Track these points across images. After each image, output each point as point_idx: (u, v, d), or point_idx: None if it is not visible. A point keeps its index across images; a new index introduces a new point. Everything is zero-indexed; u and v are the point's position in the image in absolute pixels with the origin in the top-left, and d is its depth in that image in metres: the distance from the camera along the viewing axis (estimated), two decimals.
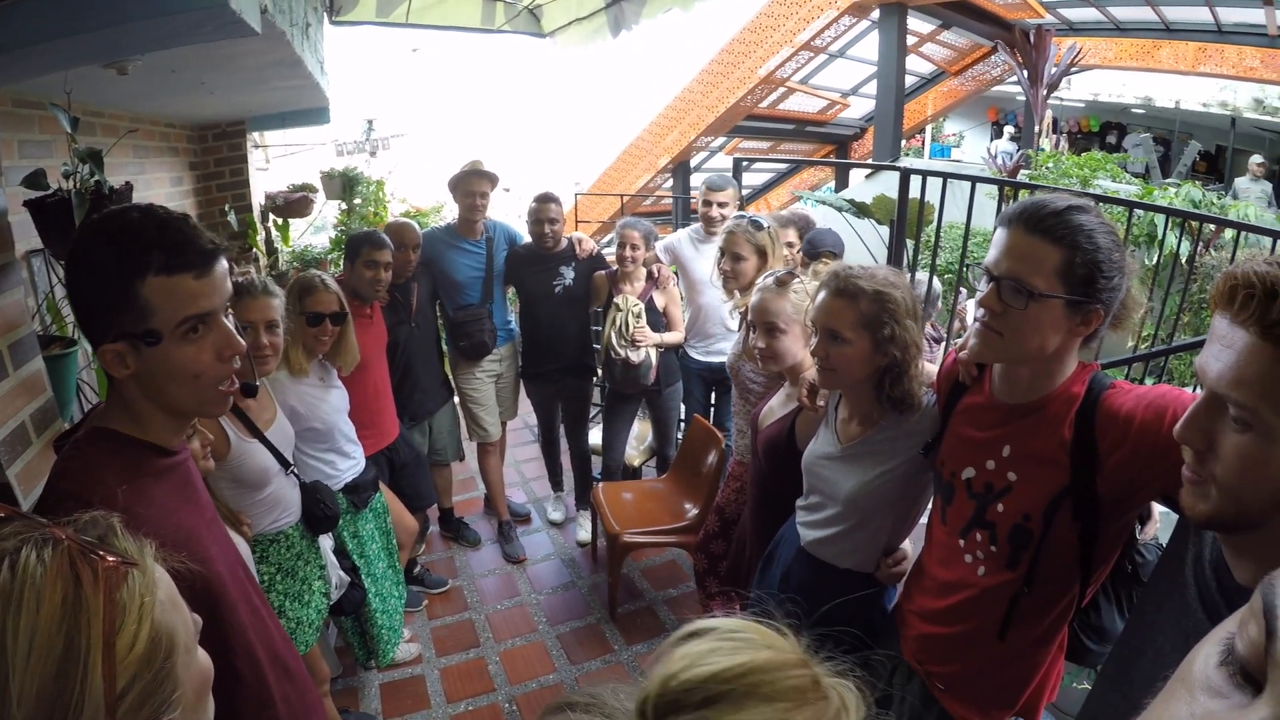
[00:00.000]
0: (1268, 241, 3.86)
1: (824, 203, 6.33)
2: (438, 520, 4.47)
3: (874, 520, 1.98)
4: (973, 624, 1.70)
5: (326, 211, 5.32)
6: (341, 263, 3.50)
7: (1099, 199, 4.95)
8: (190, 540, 1.26)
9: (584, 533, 4.46)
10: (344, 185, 5.05)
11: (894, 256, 4.68)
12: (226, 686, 1.02)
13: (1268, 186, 10.51)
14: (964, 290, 4.90)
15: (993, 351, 1.57)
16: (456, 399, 4.27)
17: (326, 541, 2.70)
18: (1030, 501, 1.57)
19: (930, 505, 1.91)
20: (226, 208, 4.06)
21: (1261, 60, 10.52)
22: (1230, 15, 10.31)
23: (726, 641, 0.67)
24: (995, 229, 1.55)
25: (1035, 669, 1.71)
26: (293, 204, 4.62)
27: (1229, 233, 4.31)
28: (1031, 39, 9.97)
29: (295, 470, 2.51)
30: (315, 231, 5.70)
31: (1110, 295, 1.48)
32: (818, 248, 3.44)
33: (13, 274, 1.75)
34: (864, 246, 5.55)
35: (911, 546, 2.07)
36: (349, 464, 2.93)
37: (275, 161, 5.86)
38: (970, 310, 5.05)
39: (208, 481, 1.77)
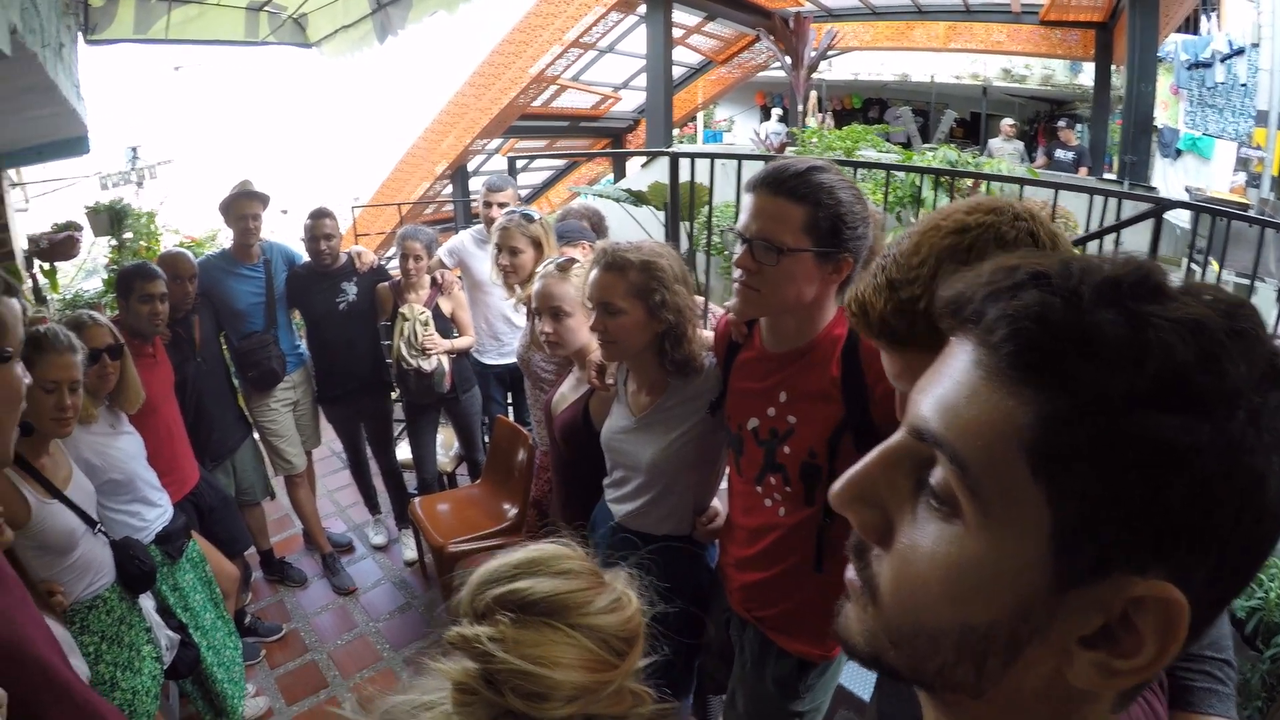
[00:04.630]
0: (1017, 188, 4.40)
1: (602, 195, 6.45)
2: (259, 565, 4.23)
3: (679, 483, 2.08)
4: (788, 563, 1.79)
5: (95, 251, 4.93)
6: (116, 303, 3.27)
7: (860, 165, 5.40)
8: (4, 623, 1.19)
9: (409, 551, 4.38)
10: (111, 220, 4.65)
11: (670, 237, 4.89)
12: None
13: (1019, 145, 11.80)
14: None
15: (754, 307, 1.68)
16: (256, 434, 4.07)
17: (148, 601, 2.54)
18: (812, 439, 1.68)
19: (727, 461, 2.02)
20: None
21: (1007, 35, 11.80)
22: None
23: (517, 551, 0.89)
24: (743, 195, 1.65)
25: None
26: (58, 245, 4.23)
27: (987, 185, 4.87)
28: (791, 25, 10.56)
29: (102, 528, 2.35)
30: (87, 276, 5.27)
31: (857, 244, 1.60)
32: (566, 240, 3.51)
33: None
34: (644, 233, 5.73)
35: (721, 505, 2.16)
36: (156, 512, 2.74)
37: (34, 200, 5.35)
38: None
39: (13, 556, 1.63)
